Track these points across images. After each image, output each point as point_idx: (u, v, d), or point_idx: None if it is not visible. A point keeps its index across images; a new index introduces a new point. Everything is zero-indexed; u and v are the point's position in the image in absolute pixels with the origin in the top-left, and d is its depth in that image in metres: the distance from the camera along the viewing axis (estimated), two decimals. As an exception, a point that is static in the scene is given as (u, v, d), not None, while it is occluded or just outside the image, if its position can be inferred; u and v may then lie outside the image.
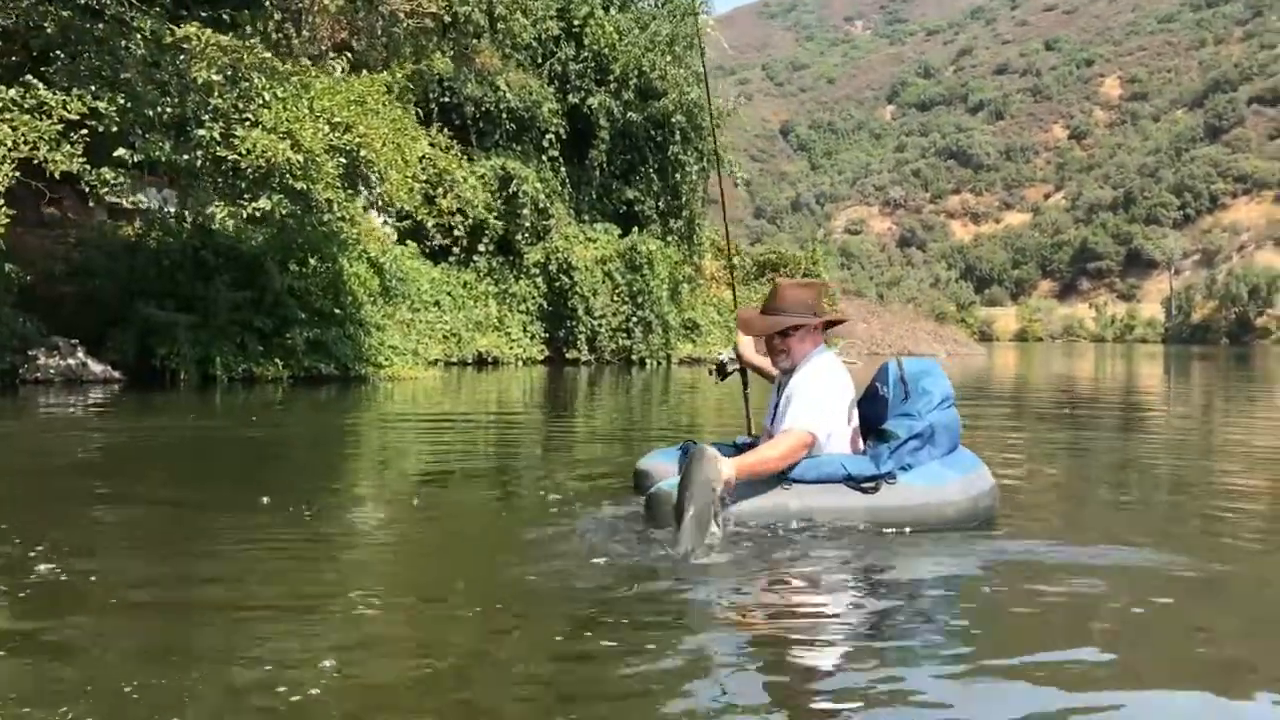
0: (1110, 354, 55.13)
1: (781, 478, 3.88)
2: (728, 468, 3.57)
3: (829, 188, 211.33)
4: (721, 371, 4.80)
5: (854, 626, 2.87)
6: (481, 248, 21.92)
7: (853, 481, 3.92)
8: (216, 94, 11.00)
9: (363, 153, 11.84)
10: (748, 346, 4.74)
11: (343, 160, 11.79)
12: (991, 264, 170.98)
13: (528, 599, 2.99)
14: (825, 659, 2.58)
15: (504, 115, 22.83)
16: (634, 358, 23.54)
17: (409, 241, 20.48)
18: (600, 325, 23.26)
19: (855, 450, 4.16)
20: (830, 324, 4.29)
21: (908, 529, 3.86)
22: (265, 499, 4.44)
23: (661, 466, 4.45)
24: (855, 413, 4.21)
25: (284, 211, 11.39)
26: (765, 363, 4.62)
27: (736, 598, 3.08)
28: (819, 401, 4.03)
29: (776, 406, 4.20)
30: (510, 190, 22.09)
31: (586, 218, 24.77)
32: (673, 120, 25.23)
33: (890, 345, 38.96)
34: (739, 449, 4.28)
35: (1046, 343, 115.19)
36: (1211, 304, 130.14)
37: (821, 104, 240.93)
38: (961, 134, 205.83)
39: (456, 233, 20.45)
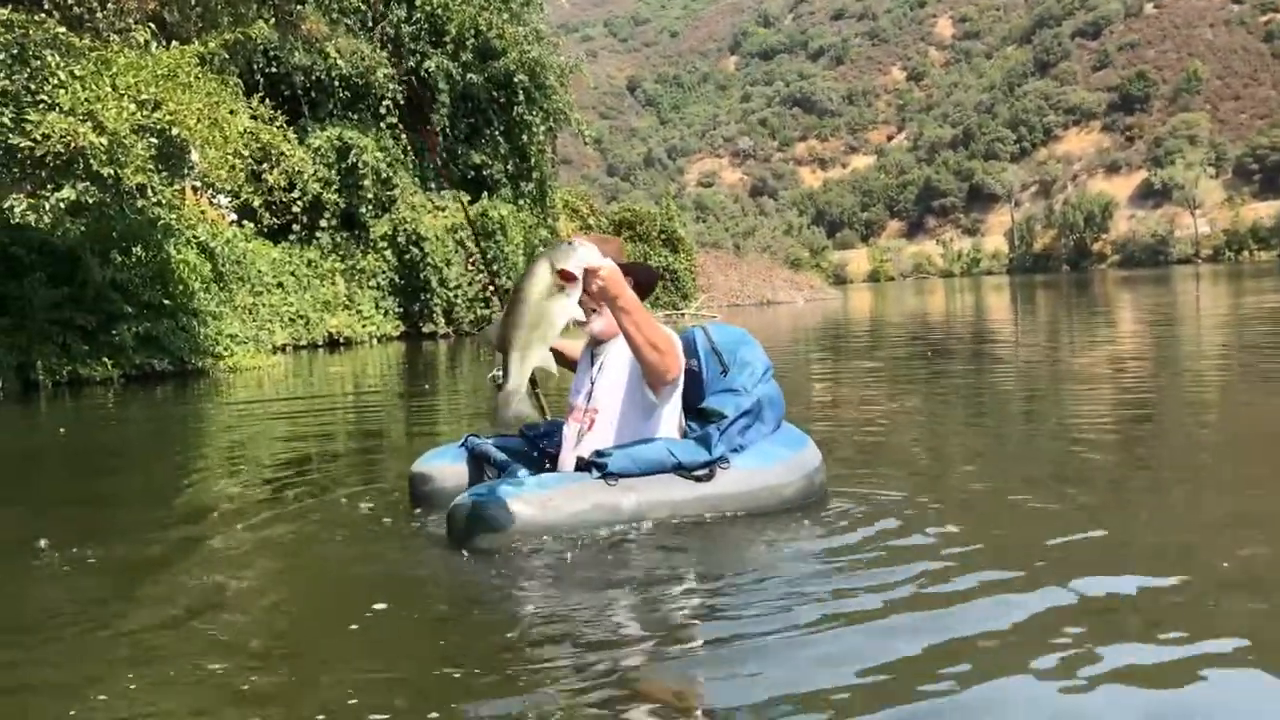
0: (959, 288, 56.87)
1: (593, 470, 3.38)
2: (591, 257, 3.02)
3: (679, 141, 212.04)
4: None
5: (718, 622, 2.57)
6: (324, 223, 20.90)
7: (684, 470, 3.48)
8: (3, 75, 10.01)
9: (175, 131, 10.93)
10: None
11: (153, 140, 10.87)
12: (841, 208, 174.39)
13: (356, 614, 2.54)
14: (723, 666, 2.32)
15: (336, 83, 21.74)
16: (494, 327, 22.88)
17: (245, 222, 19.33)
18: (456, 296, 22.56)
19: (680, 431, 3.71)
20: (642, 290, 3.67)
21: (739, 514, 3.52)
22: (43, 542, 3.66)
23: (444, 468, 3.95)
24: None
25: (91, 200, 10.46)
26: (565, 344, 3.93)
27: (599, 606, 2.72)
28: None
29: (592, 380, 3.68)
30: (349, 162, 21.13)
31: (433, 186, 23.93)
32: (515, 80, 24.43)
33: (749, 295, 39.27)
34: (531, 440, 3.82)
35: (898, 281, 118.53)
36: (1051, 233, 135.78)
37: (666, 58, 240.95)
38: (804, 81, 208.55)
39: (295, 209, 19.44)
